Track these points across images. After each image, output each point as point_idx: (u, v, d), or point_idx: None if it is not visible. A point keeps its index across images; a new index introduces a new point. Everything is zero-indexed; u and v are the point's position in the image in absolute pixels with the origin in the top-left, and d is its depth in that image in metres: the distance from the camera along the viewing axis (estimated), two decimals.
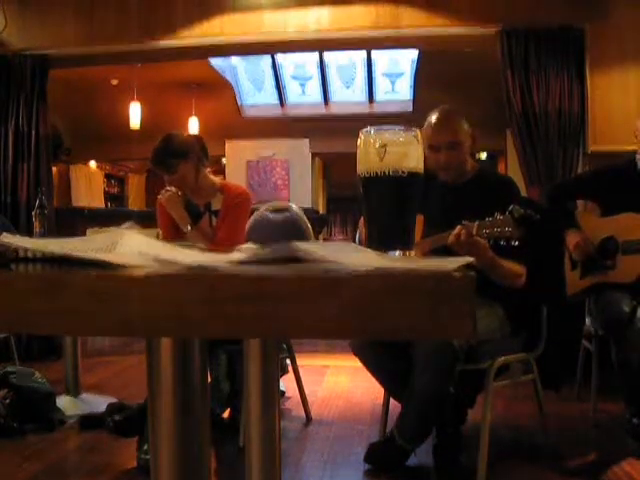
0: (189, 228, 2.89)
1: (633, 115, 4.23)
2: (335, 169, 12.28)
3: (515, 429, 3.14)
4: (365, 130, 0.93)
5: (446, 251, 2.27)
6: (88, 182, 11.26)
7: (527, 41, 4.32)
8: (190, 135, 3.14)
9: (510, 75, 4.35)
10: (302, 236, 3.17)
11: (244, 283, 0.53)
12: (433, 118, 2.61)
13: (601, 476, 2.51)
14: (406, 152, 0.90)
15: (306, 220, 3.26)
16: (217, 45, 4.82)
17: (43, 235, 3.18)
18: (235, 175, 9.09)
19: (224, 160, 9.60)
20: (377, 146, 0.89)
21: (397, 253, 0.89)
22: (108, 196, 12.17)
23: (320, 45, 5.32)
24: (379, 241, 0.90)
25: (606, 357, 2.91)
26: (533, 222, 2.08)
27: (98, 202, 11.44)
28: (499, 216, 2.14)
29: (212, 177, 3.08)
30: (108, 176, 12.25)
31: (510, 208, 2.10)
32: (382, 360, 2.56)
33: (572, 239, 3.08)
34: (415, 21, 4.49)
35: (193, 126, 8.83)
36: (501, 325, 2.52)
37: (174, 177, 2.91)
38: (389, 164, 0.88)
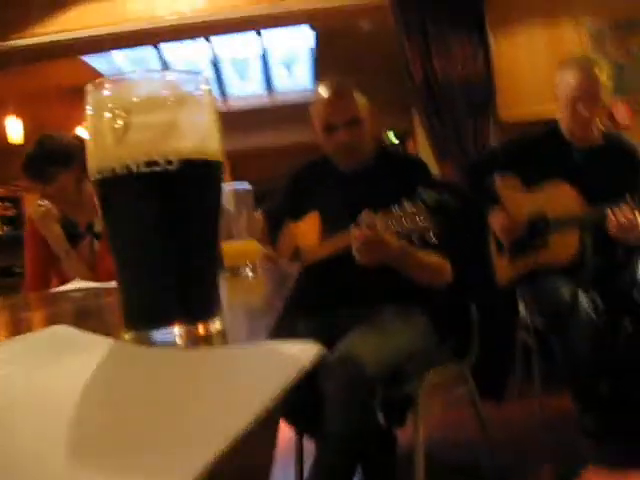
0: (66, 253, 2.34)
1: (543, 77, 3.91)
2: (236, 169, 11.75)
3: (454, 444, 2.73)
4: (92, 85, 0.46)
5: (347, 257, 1.84)
6: None
7: (422, 3, 3.92)
8: (73, 137, 2.52)
9: (407, 43, 3.95)
10: None
11: None
12: (324, 92, 2.14)
13: None
14: (174, 122, 0.43)
15: None
16: (78, 40, 4.22)
17: None
18: None
19: None
20: (111, 118, 0.42)
21: (176, 333, 0.43)
22: (3, 219, 11.27)
23: (199, 31, 4.78)
24: (140, 311, 0.44)
25: (546, 349, 2.54)
26: (451, 209, 1.65)
27: None
28: (408, 205, 1.70)
29: None
30: (1, 199, 11.36)
31: (420, 193, 1.66)
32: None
33: (497, 220, 2.68)
34: None
35: (83, 136, 8.17)
36: (424, 336, 2.07)
37: (51, 189, 2.34)
38: (135, 149, 0.42)
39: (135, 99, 0.43)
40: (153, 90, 0.44)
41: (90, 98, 0.47)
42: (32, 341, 0.42)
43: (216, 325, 0.46)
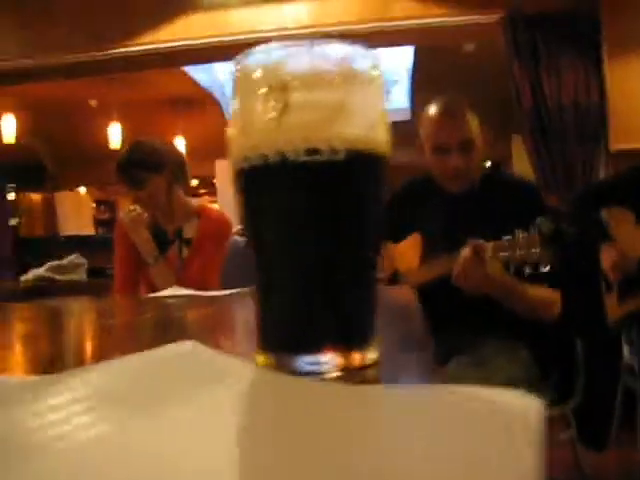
0: (154, 259, 2.32)
1: None
2: None
3: None
4: (242, 56, 0.39)
5: (448, 283, 1.73)
6: (76, 208, 10.84)
7: (535, 28, 3.76)
8: (166, 144, 2.54)
9: (518, 67, 3.79)
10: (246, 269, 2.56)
11: None
12: (435, 111, 2.00)
13: None
14: (341, 103, 0.35)
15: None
16: (182, 50, 4.28)
17: None
18: (227, 197, 8.57)
19: (215, 181, 9.09)
20: (266, 93, 0.35)
21: (327, 362, 0.35)
22: (98, 222, 11.72)
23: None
24: (282, 331, 0.36)
25: None
26: (568, 239, 1.52)
27: (87, 229, 10.95)
28: (521, 234, 1.58)
29: (188, 199, 2.50)
30: (98, 202, 11.86)
31: (537, 222, 1.52)
32: None
33: (608, 256, 2.51)
34: (407, 12, 3.95)
35: (180, 146, 8.35)
36: (527, 371, 1.92)
37: (142, 193, 2.33)
38: (293, 133, 0.34)
39: (295, 73, 0.35)
40: (317, 64, 0.36)
41: (238, 69, 0.39)
42: (160, 358, 0.35)
43: (371, 354, 0.37)
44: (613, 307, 2.56)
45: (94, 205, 11.81)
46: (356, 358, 0.35)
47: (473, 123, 1.99)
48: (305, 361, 0.35)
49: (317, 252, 0.35)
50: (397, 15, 3.98)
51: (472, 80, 6.30)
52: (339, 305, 0.36)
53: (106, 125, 7.75)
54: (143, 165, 2.31)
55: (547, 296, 1.86)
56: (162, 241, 2.39)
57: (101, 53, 4.25)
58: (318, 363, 0.34)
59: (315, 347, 0.35)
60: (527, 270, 1.58)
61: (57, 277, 3.49)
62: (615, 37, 3.78)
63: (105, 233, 11.69)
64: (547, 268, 1.55)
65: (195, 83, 7.59)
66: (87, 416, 0.26)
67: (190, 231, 2.41)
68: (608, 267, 2.49)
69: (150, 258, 2.33)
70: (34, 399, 0.27)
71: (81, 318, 1.15)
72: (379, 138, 0.37)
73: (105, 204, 12.16)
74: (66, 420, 0.26)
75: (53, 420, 0.26)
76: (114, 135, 7.69)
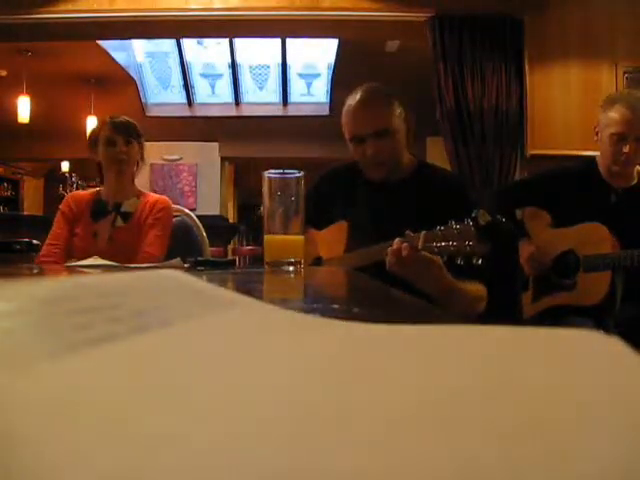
0: None
1: (575, 116, 3.84)
2: (247, 175, 11.63)
3: None
4: None
5: (379, 271, 1.70)
6: None
7: (462, 29, 3.84)
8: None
9: (442, 68, 3.86)
10: (193, 243, 2.59)
11: None
12: (352, 101, 1.98)
13: None
14: None
15: (199, 225, 2.65)
16: (103, 22, 4.10)
17: None
18: (138, 179, 8.32)
19: None
20: None
21: None
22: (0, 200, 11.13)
23: (229, 29, 4.67)
24: None
25: None
26: (503, 232, 1.53)
27: None
28: (455, 225, 1.57)
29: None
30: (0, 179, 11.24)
31: (474, 213, 1.52)
32: None
33: (526, 251, 2.57)
34: (336, 3, 3.94)
35: (91, 125, 8.04)
36: None
37: (126, 150, 2.42)
38: None
39: None
40: None
41: None
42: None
43: None
44: (528, 304, 2.63)
45: None
46: None
47: (393, 111, 1.98)
48: None
49: None
50: (326, 5, 3.96)
51: (392, 80, 6.36)
52: None
53: (15, 97, 7.36)
54: (134, 128, 2.46)
55: (476, 290, 1.87)
56: (100, 212, 2.42)
57: (13, 17, 4.02)
58: None
59: None
60: (460, 262, 1.57)
61: None
62: (537, 45, 3.91)
63: (6, 212, 11.14)
64: (479, 261, 1.54)
65: (112, 61, 7.34)
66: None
67: (129, 207, 2.45)
68: (524, 261, 2.56)
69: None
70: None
71: None
72: None
73: (8, 182, 11.52)
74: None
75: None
76: (23, 108, 7.29)
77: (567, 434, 0.15)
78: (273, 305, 0.33)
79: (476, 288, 1.84)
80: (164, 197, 2.57)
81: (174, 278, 0.34)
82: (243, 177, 11.82)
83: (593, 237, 2.48)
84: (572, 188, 2.60)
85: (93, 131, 2.49)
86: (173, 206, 2.57)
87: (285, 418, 0.16)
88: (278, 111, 8.58)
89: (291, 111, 8.59)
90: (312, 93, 8.55)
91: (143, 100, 8.50)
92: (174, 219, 2.54)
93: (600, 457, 0.14)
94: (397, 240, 1.68)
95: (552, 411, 0.17)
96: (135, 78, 8.23)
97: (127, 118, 2.48)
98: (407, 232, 1.66)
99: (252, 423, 0.16)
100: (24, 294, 0.23)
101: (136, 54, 8.11)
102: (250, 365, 0.21)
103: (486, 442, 0.15)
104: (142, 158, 2.54)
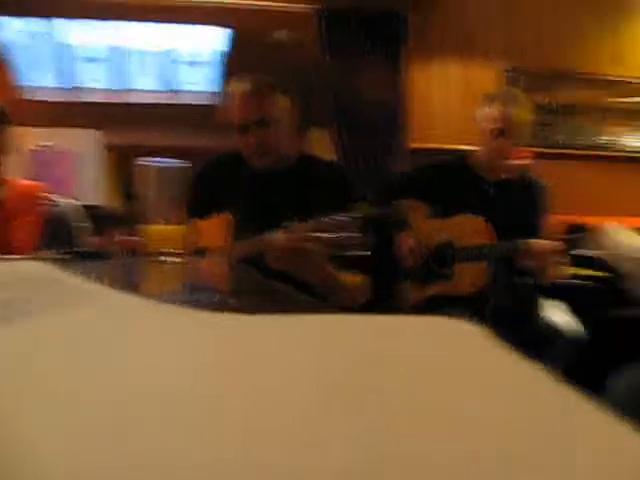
0: None
1: (454, 112, 3.99)
2: (125, 164, 11.30)
3: None
4: None
5: (261, 262, 1.70)
6: None
7: (348, 23, 3.89)
8: None
9: (329, 60, 3.90)
10: (70, 234, 2.47)
11: None
12: (239, 89, 2.05)
13: None
14: None
15: (79, 215, 2.54)
16: None
17: None
18: (14, 166, 7.88)
19: None
20: None
21: None
22: None
23: (114, 12, 4.50)
24: None
25: None
26: (387, 223, 1.57)
27: None
28: (339, 216, 1.59)
29: None
30: None
31: (359, 205, 1.54)
32: None
33: (404, 242, 2.63)
34: None
35: None
36: None
37: None
38: None
39: None
40: None
41: None
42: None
43: None
44: (408, 294, 2.71)
45: None
46: None
47: (275, 101, 2.05)
48: None
49: None
50: None
51: (279, 70, 6.36)
52: None
53: None
54: None
55: (353, 281, 1.91)
56: None
57: None
58: None
59: None
60: (344, 253, 1.60)
61: None
62: (419, 41, 4.02)
63: None
64: (365, 252, 1.57)
65: None
66: None
67: (4, 193, 2.28)
68: (404, 251, 2.62)
69: None
70: None
71: None
72: None
73: None
74: None
75: None
76: None
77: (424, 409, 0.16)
78: (135, 296, 0.32)
79: (357, 279, 1.89)
80: (36, 183, 2.44)
81: (39, 270, 0.33)
82: (128, 166, 11.48)
83: (470, 228, 2.59)
84: (449, 181, 2.70)
85: None
86: (49, 195, 2.45)
87: (154, 408, 0.16)
88: (164, 99, 8.39)
89: (178, 99, 8.42)
90: (200, 81, 8.41)
91: (17, 82, 8.07)
92: (52, 208, 2.42)
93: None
94: (276, 234, 1.69)
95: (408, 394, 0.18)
96: (7, 58, 7.80)
97: None
98: (284, 223, 1.68)
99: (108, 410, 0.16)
100: None
101: (9, 33, 7.67)
102: (108, 354, 0.21)
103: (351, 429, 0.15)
104: (11, 144, 2.35)
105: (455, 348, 0.23)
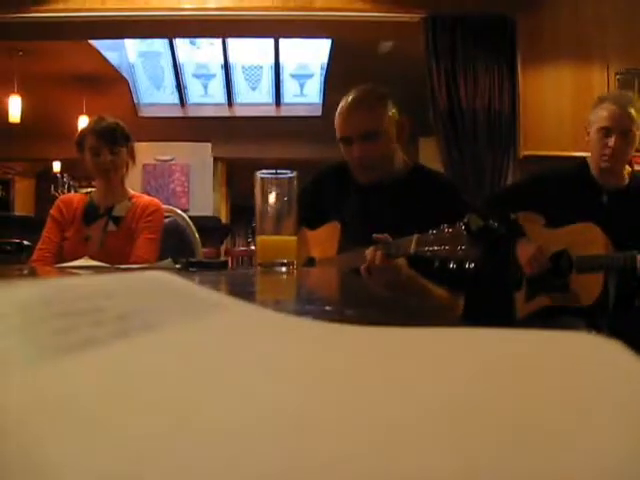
0: None
1: (567, 117, 3.85)
2: (240, 176, 11.60)
3: None
4: None
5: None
6: None
7: (455, 30, 3.84)
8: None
9: (435, 68, 3.85)
10: (185, 244, 2.57)
11: None
12: (345, 102, 1.98)
13: None
14: None
15: (192, 226, 2.64)
16: (96, 22, 4.09)
17: None
18: (130, 180, 8.26)
19: None
20: None
21: None
22: None
23: (222, 29, 4.67)
24: None
25: None
26: (495, 237, 1.52)
27: None
28: (447, 229, 1.56)
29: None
30: None
31: (466, 218, 1.50)
32: None
33: (525, 250, 2.54)
34: (329, 3, 3.94)
35: (83, 125, 7.99)
36: None
37: (111, 159, 2.35)
38: None
39: None
40: None
41: None
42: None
43: None
44: (521, 304, 2.63)
45: None
46: None
47: (383, 113, 1.97)
48: None
49: None
50: (319, 6, 3.96)
51: (385, 80, 6.35)
52: None
53: (6, 97, 7.32)
54: (121, 132, 2.37)
55: (443, 296, 1.86)
56: (91, 216, 2.39)
57: (4, 16, 4.00)
58: None
59: None
60: (452, 266, 1.56)
61: None
62: (530, 47, 3.91)
63: None
64: (471, 266, 1.53)
65: (104, 61, 7.29)
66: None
67: (121, 211, 2.42)
68: (525, 261, 2.53)
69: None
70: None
71: None
72: None
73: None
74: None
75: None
76: (14, 108, 7.24)
77: (567, 440, 0.15)
78: (264, 308, 0.32)
79: (441, 292, 1.84)
80: (155, 200, 2.54)
81: (162, 280, 0.33)
82: (236, 178, 11.80)
83: (586, 238, 2.48)
84: (564, 190, 2.60)
85: (79, 134, 2.43)
86: (165, 207, 2.55)
87: (273, 423, 0.16)
88: (271, 112, 8.57)
89: (284, 112, 8.58)
90: (305, 94, 8.55)
91: (135, 100, 8.49)
92: (166, 220, 2.52)
93: (601, 463, 0.14)
94: (370, 249, 1.68)
95: (552, 417, 0.17)
96: (127, 78, 8.21)
97: (114, 120, 2.41)
98: (375, 236, 1.67)
99: (237, 426, 0.15)
100: (1, 298, 0.22)
101: (128, 54, 8.09)
102: (236, 369, 0.21)
103: (485, 448, 0.15)
104: (132, 160, 2.49)
105: (607, 369, 0.21)
